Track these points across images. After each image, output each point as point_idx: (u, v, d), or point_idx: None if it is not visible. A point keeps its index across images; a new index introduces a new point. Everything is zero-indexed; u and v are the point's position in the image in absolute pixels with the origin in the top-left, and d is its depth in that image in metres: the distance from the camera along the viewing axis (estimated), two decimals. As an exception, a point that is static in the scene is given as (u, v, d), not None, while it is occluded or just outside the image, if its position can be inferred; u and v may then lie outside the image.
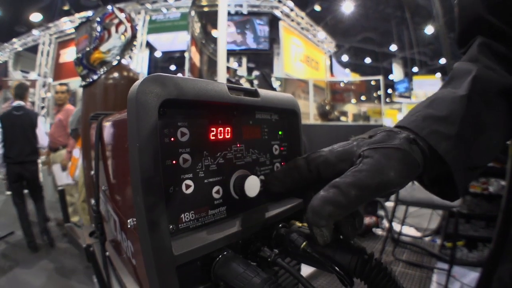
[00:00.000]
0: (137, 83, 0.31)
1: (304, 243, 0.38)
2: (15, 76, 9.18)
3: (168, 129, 0.34)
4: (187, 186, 0.36)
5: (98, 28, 1.52)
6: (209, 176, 0.38)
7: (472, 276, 2.60)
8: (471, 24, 0.46)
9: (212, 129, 0.38)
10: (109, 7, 1.59)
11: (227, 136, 0.40)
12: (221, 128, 0.39)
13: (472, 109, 0.38)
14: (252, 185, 0.39)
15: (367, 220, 3.52)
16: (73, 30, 8.45)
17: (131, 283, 0.53)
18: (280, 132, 0.50)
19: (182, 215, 0.36)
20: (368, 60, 16.86)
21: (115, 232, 0.57)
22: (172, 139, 0.34)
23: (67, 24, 8.89)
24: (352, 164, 0.35)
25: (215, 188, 0.39)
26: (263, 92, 0.45)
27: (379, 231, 3.59)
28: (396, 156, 0.33)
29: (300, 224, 0.44)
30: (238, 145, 0.42)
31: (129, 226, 0.38)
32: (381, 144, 0.35)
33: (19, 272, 2.81)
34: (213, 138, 0.38)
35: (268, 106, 0.46)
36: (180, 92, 0.33)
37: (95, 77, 1.59)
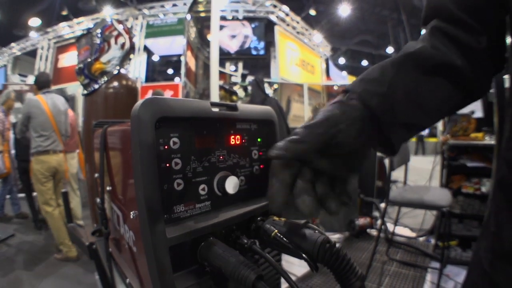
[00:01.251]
0: (138, 103, 0.40)
1: (275, 231, 0.46)
2: (14, 80, 9.20)
3: (162, 139, 0.42)
4: (178, 184, 0.44)
5: (98, 40, 1.61)
6: (196, 176, 0.47)
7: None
8: (434, 8, 0.50)
9: (198, 138, 0.47)
10: (108, 20, 1.68)
11: (211, 144, 0.49)
12: (206, 138, 0.48)
13: (405, 75, 0.44)
14: (232, 184, 0.48)
15: (362, 221, 3.58)
16: (71, 35, 8.53)
17: (130, 274, 0.62)
18: (259, 139, 0.58)
19: (174, 207, 0.44)
20: (365, 63, 16.94)
21: (118, 227, 0.66)
22: (166, 147, 0.43)
23: (65, 29, 8.94)
24: None
25: (201, 186, 0.47)
26: (242, 106, 0.54)
27: (373, 232, 3.64)
28: (338, 107, 0.42)
29: (276, 218, 0.52)
30: (221, 151, 0.51)
31: (131, 217, 0.47)
32: (329, 105, 0.43)
33: (20, 274, 2.86)
34: (199, 145, 0.47)
35: (247, 118, 0.54)
36: (171, 111, 0.42)
37: (96, 86, 1.68)
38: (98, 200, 0.78)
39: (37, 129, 3.02)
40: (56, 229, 3.12)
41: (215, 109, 0.49)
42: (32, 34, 9.32)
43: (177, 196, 0.44)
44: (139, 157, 0.39)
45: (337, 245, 0.43)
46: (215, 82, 3.30)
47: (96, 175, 0.76)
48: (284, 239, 0.45)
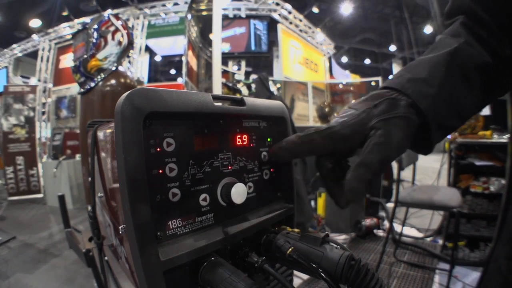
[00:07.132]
0: (122, 97, 0.32)
1: (290, 249, 0.39)
2: (15, 81, 9.19)
3: (154, 140, 0.35)
4: (174, 195, 0.37)
5: (95, 36, 1.53)
6: (196, 184, 0.39)
7: (474, 276, 2.58)
8: (459, 5, 0.49)
9: (198, 138, 0.39)
10: (105, 14, 1.60)
11: (213, 145, 0.41)
12: (207, 137, 0.40)
13: (449, 77, 0.43)
14: (239, 192, 0.40)
15: (368, 222, 3.50)
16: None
17: (129, 287, 0.54)
18: (269, 139, 0.51)
19: (170, 222, 0.37)
20: (368, 61, 16.89)
21: (111, 237, 0.59)
22: (158, 149, 0.35)
23: (66, 29, 8.90)
24: (366, 136, 0.41)
25: (202, 196, 0.40)
26: (249, 100, 0.46)
27: (380, 233, 3.57)
28: (405, 124, 0.40)
29: (289, 229, 0.45)
30: (225, 153, 0.43)
31: (120, 232, 0.39)
32: (389, 114, 0.40)
33: (21, 277, 2.82)
34: (199, 147, 0.39)
35: (256, 114, 0.47)
36: (164, 105, 0.34)
37: (92, 84, 1.60)
38: (89, 207, 0.71)
39: None
40: None
41: (218, 103, 0.41)
42: (34, 36, 9.29)
43: (173, 209, 0.37)
44: (123, 163, 0.31)
45: (363, 261, 0.36)
46: (217, 79, 3.23)
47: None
48: (301, 258, 0.37)
